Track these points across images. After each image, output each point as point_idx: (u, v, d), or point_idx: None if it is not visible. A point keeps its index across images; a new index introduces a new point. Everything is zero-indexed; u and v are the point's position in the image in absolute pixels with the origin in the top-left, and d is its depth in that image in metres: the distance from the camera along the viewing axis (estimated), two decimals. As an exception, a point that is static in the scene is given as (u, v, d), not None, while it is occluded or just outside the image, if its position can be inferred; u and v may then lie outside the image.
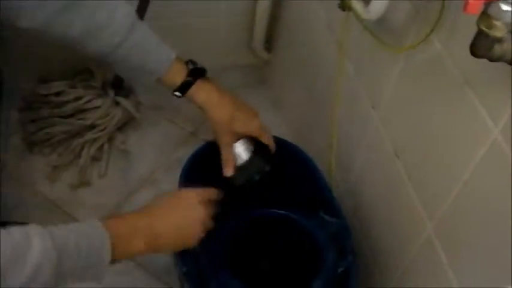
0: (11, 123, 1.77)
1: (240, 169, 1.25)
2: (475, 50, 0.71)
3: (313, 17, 1.54)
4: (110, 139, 1.77)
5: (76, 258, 0.85)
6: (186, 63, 1.21)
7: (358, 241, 1.37)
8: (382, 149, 1.20)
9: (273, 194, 1.28)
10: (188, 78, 1.19)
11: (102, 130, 1.74)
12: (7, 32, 1.61)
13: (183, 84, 1.19)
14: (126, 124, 1.81)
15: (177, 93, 1.20)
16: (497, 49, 0.70)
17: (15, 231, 0.80)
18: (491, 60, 0.72)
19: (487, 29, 0.68)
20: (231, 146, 1.23)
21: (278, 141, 1.33)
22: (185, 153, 1.77)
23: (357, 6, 1.05)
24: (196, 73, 1.20)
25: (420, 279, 1.11)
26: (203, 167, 1.27)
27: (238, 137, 1.24)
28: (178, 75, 1.18)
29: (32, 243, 0.79)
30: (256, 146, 1.27)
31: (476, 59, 0.73)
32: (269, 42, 1.97)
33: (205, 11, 1.86)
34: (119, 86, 1.78)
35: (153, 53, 1.17)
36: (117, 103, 1.77)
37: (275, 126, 1.89)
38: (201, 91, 1.20)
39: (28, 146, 1.75)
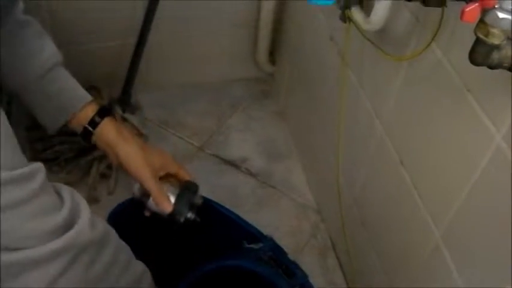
0: (20, 142, 1.77)
1: (176, 204, 1.18)
2: (474, 57, 0.72)
3: (315, 28, 1.55)
4: (118, 155, 1.78)
5: None
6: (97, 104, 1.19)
7: (367, 250, 1.38)
8: (387, 157, 1.20)
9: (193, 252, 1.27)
10: (98, 116, 1.16)
11: (110, 147, 1.75)
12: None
13: (93, 120, 1.16)
14: (133, 140, 1.82)
15: (88, 127, 1.16)
16: (496, 56, 0.71)
17: None
18: (490, 67, 0.72)
19: (484, 37, 0.69)
20: (155, 180, 1.16)
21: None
22: (192, 167, 1.77)
23: (358, 17, 1.06)
24: (106, 112, 1.18)
25: (429, 286, 1.12)
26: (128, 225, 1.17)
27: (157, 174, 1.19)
28: (91, 112, 1.16)
29: None
30: (179, 182, 1.23)
31: (476, 66, 0.74)
32: (273, 55, 1.98)
33: (208, 25, 1.88)
34: (125, 102, 1.79)
35: (75, 88, 1.17)
36: (124, 119, 1.78)
37: (281, 138, 1.91)
38: (111, 127, 1.16)
39: (37, 164, 1.76)
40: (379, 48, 1.11)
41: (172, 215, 1.17)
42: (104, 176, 1.75)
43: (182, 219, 1.17)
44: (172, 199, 1.18)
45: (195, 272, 1.19)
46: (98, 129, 1.15)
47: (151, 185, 1.15)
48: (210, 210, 1.27)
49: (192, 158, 1.83)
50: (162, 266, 1.14)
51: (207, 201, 1.27)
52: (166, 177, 1.21)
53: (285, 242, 1.58)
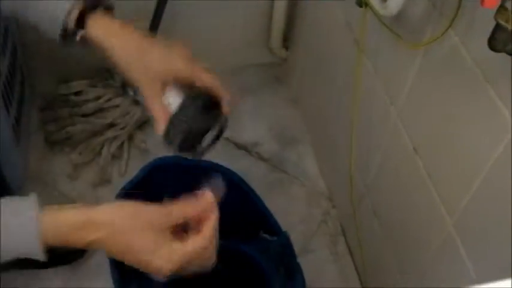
0: (32, 123, 1.79)
1: (174, 121, 0.86)
2: (494, 44, 0.71)
3: (330, 14, 1.54)
4: (130, 137, 1.79)
5: None
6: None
7: (377, 238, 1.37)
8: (401, 145, 1.20)
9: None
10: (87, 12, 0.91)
11: (122, 128, 1.75)
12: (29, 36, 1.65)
13: (79, 17, 0.91)
14: (145, 123, 1.82)
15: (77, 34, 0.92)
16: (516, 43, 0.70)
17: None
18: (510, 54, 0.72)
19: (505, 23, 0.68)
20: (156, 93, 0.89)
21: (202, 166, 1.25)
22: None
23: (374, 2, 1.05)
24: (98, 3, 0.93)
25: (441, 274, 1.11)
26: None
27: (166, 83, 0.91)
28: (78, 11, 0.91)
29: None
30: (195, 89, 0.89)
31: (495, 54, 0.73)
32: (287, 41, 1.97)
33: (222, 11, 1.87)
34: (138, 85, 1.79)
35: None
36: (136, 102, 1.78)
37: (293, 124, 1.91)
38: (99, 23, 0.91)
39: (49, 145, 1.77)
40: (395, 33, 1.10)
41: (165, 137, 0.88)
42: (115, 157, 1.76)
43: (174, 148, 0.88)
44: (176, 104, 0.88)
45: None
46: (85, 31, 0.91)
47: (148, 102, 0.91)
48: (238, 189, 1.26)
49: (204, 141, 1.82)
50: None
51: (236, 179, 1.26)
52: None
53: (296, 228, 1.59)
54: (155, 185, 1.27)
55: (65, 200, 1.65)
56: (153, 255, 0.75)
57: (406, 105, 1.18)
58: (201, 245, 0.76)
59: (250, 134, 1.87)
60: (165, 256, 0.75)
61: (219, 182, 0.81)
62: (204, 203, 0.79)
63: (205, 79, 0.90)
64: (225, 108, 0.92)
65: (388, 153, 1.29)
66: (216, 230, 0.78)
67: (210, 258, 0.79)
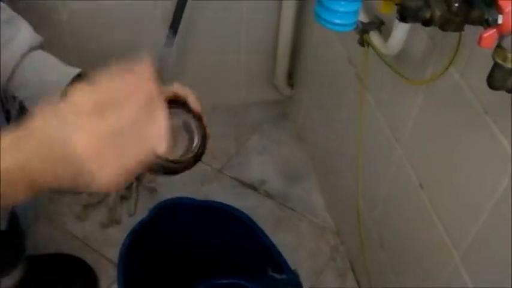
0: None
1: None
2: (492, 82, 0.73)
3: (333, 51, 1.56)
4: (138, 178, 1.80)
5: None
6: None
7: (385, 272, 1.37)
8: (406, 180, 1.21)
9: (215, 263, 1.25)
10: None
11: (130, 169, 1.76)
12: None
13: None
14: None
15: None
16: (514, 80, 0.72)
17: None
18: (508, 91, 0.73)
19: (502, 62, 0.69)
20: None
21: (210, 206, 1.30)
22: (211, 190, 1.80)
23: (376, 41, 1.08)
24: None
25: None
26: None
27: None
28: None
29: None
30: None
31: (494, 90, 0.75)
32: (291, 78, 2.00)
33: (226, 49, 1.91)
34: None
35: (60, 65, 0.98)
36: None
37: (299, 160, 1.92)
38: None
39: (58, 186, 1.78)
40: (397, 72, 1.11)
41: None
42: (124, 198, 1.77)
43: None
44: None
45: (208, 281, 1.21)
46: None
47: None
48: (246, 228, 1.27)
49: (211, 180, 1.84)
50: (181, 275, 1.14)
51: (244, 218, 1.27)
52: None
53: (304, 265, 1.59)
54: (165, 225, 1.28)
55: (74, 240, 1.66)
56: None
57: (410, 140, 1.19)
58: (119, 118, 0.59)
59: (256, 172, 1.88)
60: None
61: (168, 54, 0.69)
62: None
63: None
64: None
65: (393, 187, 1.30)
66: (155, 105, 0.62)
67: (148, 137, 0.61)
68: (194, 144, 0.79)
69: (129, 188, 1.77)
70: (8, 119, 1.08)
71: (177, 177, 1.93)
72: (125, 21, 1.67)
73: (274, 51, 1.92)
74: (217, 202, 1.29)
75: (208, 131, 0.82)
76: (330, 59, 1.62)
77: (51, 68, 0.97)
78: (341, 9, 0.84)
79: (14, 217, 1.38)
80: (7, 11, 1.02)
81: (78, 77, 0.93)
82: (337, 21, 0.86)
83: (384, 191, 1.35)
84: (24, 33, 0.99)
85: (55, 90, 0.92)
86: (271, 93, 2.06)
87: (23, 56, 0.97)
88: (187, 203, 1.28)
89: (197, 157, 0.80)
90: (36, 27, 1.02)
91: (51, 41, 1.05)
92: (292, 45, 1.88)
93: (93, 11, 1.66)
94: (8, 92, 0.99)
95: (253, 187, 1.83)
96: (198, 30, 1.78)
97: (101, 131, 0.58)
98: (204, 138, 0.81)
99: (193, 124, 0.79)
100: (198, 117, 0.81)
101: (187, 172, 1.98)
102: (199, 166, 1.92)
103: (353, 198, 1.46)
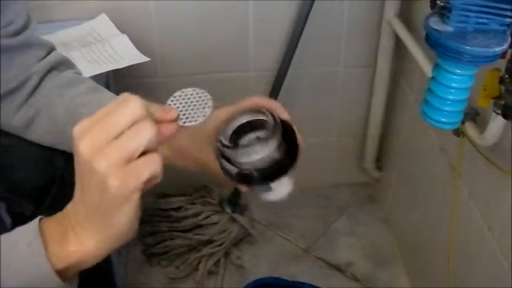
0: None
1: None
2: None
3: (424, 138, 1.57)
4: (226, 254, 1.83)
5: None
6: None
7: None
8: (499, 271, 1.19)
9: None
10: None
11: (219, 245, 1.81)
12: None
13: None
14: (241, 240, 1.87)
15: None
16: None
17: None
18: None
19: None
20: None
21: (300, 287, 1.31)
22: (298, 269, 1.81)
23: (471, 132, 1.09)
24: None
25: None
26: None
27: None
28: None
29: None
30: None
31: None
32: (380, 161, 2.01)
33: (316, 134, 1.96)
34: (235, 203, 1.86)
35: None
36: (233, 219, 1.85)
37: (386, 243, 1.91)
38: None
39: (147, 258, 1.84)
40: (492, 162, 1.12)
41: None
42: (211, 273, 1.80)
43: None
44: None
45: None
46: None
47: None
48: None
49: (298, 259, 1.85)
50: None
51: None
52: None
53: None
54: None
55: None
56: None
57: (503, 231, 1.18)
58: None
59: (343, 253, 1.88)
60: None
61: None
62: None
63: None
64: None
65: (485, 278, 1.28)
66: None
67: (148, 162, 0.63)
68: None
69: (217, 263, 1.80)
70: None
71: (264, 255, 1.95)
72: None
73: (363, 135, 1.96)
74: (306, 283, 1.30)
75: (299, 137, 0.84)
76: (421, 145, 1.63)
77: None
78: (447, 108, 0.86)
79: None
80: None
81: None
82: (443, 119, 0.88)
83: (475, 280, 1.33)
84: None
85: None
86: (359, 175, 2.09)
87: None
88: (277, 283, 1.30)
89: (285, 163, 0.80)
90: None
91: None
92: (382, 129, 1.91)
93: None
94: None
95: (339, 269, 1.83)
96: (291, 113, 1.83)
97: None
98: (295, 142, 0.83)
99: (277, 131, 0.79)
100: (288, 125, 0.83)
101: (274, 251, 2.00)
102: (286, 245, 1.95)
103: (441, 285, 1.43)
